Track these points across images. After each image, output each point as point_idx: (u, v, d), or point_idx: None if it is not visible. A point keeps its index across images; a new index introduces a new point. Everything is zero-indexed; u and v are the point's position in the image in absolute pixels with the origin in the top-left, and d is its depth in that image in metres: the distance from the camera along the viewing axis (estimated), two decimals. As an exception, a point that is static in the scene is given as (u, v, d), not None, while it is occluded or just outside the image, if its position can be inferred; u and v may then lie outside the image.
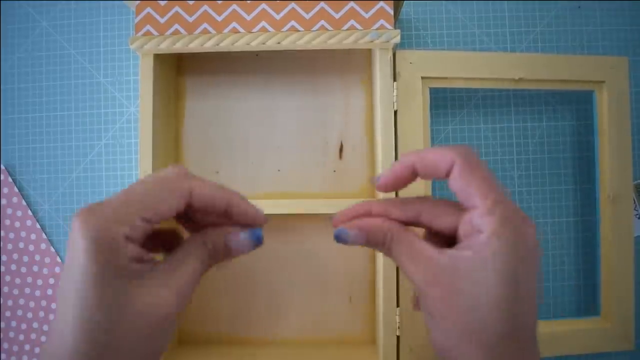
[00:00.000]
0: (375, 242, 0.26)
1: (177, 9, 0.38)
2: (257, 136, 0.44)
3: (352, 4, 0.37)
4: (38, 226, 0.47)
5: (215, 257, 0.26)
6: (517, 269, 0.23)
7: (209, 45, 0.37)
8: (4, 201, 0.47)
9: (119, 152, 0.47)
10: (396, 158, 0.38)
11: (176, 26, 0.38)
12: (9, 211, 0.47)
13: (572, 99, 0.48)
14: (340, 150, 0.44)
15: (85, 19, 0.48)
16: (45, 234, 0.47)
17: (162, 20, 0.38)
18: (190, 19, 0.38)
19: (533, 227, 0.24)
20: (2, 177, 0.48)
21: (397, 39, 0.37)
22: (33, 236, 0.47)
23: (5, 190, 0.48)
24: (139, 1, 0.38)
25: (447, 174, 0.25)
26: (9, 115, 0.48)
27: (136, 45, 0.37)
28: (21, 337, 0.47)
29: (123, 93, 0.48)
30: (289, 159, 0.44)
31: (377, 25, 0.37)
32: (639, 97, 0.48)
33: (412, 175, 0.26)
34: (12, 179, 0.48)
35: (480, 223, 0.24)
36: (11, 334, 0.47)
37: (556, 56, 0.41)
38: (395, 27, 0.37)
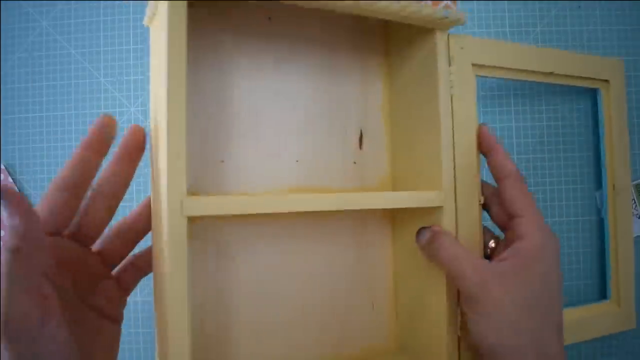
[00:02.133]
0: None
1: None
2: (270, 121, 0.37)
3: None
4: (38, 226, 0.47)
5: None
6: (553, 277, 0.30)
7: None
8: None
9: (119, 152, 0.47)
10: (454, 146, 0.35)
11: None
12: (9, 211, 0.47)
13: (572, 97, 0.48)
14: (360, 139, 0.40)
15: (85, 19, 0.48)
16: (46, 234, 0.47)
17: None
18: None
19: (558, 238, 0.32)
20: (2, 177, 0.48)
21: (463, 21, 0.34)
22: (33, 236, 0.47)
23: (5, 190, 0.48)
24: None
25: (500, 179, 0.33)
26: (9, 115, 0.48)
27: None
28: (21, 337, 0.47)
29: (123, 93, 0.48)
30: (304, 148, 0.38)
31: (443, 4, 0.34)
32: (639, 97, 0.48)
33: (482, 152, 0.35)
34: (12, 179, 0.48)
35: (524, 232, 0.31)
36: (11, 334, 0.47)
37: (571, 54, 0.42)
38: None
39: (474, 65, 0.37)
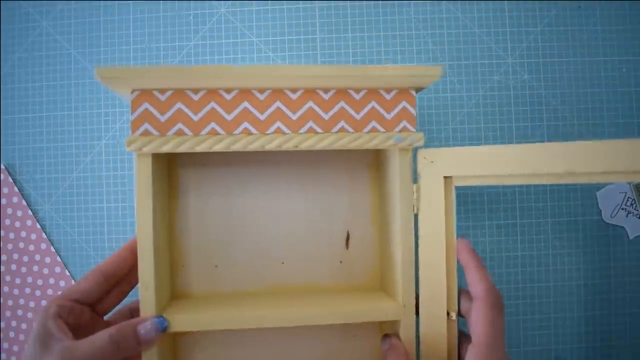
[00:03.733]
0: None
1: (179, 105, 0.34)
2: (259, 228, 0.41)
3: (373, 104, 0.35)
4: (38, 226, 0.47)
5: (124, 349, 0.31)
6: None
7: (219, 147, 0.34)
8: (4, 201, 0.47)
9: (119, 152, 0.47)
10: (416, 259, 0.36)
11: (179, 125, 0.34)
12: (9, 211, 0.47)
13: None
14: (347, 239, 0.42)
15: (85, 19, 0.48)
16: (45, 234, 0.47)
17: (162, 119, 0.34)
18: (196, 118, 0.34)
19: None
20: (2, 177, 0.48)
21: (421, 142, 0.35)
22: (33, 236, 0.47)
23: (5, 190, 0.48)
24: (134, 95, 0.34)
25: (473, 299, 0.33)
26: (9, 115, 0.48)
27: (135, 147, 0.33)
28: (21, 337, 0.47)
29: (123, 93, 0.48)
30: (293, 251, 0.41)
31: (399, 127, 0.35)
32: (639, 97, 0.48)
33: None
34: (12, 179, 0.48)
35: (470, 356, 0.31)
36: (11, 334, 0.47)
37: (593, 146, 0.31)
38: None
39: (447, 177, 0.36)
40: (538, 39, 0.48)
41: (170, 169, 0.40)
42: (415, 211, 0.36)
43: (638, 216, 0.48)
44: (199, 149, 0.34)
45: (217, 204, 0.41)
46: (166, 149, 0.33)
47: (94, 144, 0.48)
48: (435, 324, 0.36)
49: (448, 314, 0.36)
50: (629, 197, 0.47)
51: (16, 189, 0.48)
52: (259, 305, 0.36)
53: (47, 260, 0.47)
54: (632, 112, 0.48)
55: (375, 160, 0.42)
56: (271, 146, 0.34)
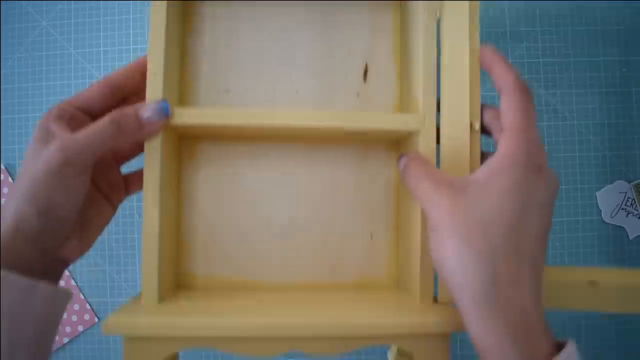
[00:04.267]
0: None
1: None
2: (273, 55, 0.39)
3: None
4: (38, 226, 0.47)
5: (125, 132, 0.30)
6: (522, 192, 0.26)
7: None
8: (4, 201, 0.47)
9: (119, 152, 0.47)
10: (438, 69, 0.33)
11: None
12: (9, 211, 0.47)
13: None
14: (365, 72, 0.39)
15: (85, 19, 0.48)
16: (45, 234, 0.47)
17: None
18: None
19: (546, 167, 0.28)
20: (2, 177, 0.48)
21: None
22: (33, 236, 0.47)
23: (5, 190, 0.48)
24: None
25: (500, 95, 0.30)
26: (9, 115, 0.48)
27: None
28: (21, 337, 0.47)
29: (123, 93, 0.48)
30: (307, 79, 0.39)
31: None
32: (639, 97, 0.48)
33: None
34: (12, 179, 0.48)
35: (501, 144, 0.28)
36: (11, 334, 0.47)
37: None
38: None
39: None
40: (538, 38, 0.48)
41: None
42: (437, 15, 0.34)
43: (638, 216, 0.48)
44: None
45: (230, 23, 0.39)
46: None
47: (94, 144, 0.48)
48: (458, 135, 0.33)
49: (471, 125, 0.33)
50: (629, 197, 0.47)
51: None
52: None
53: (47, 260, 0.47)
54: (632, 112, 0.48)
55: None
56: None
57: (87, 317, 0.47)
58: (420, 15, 0.34)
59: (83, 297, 0.47)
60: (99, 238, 0.48)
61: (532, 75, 0.48)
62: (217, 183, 0.38)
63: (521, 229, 0.26)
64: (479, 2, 0.34)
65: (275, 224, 0.38)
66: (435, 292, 0.33)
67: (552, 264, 0.47)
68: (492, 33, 0.48)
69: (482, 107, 0.33)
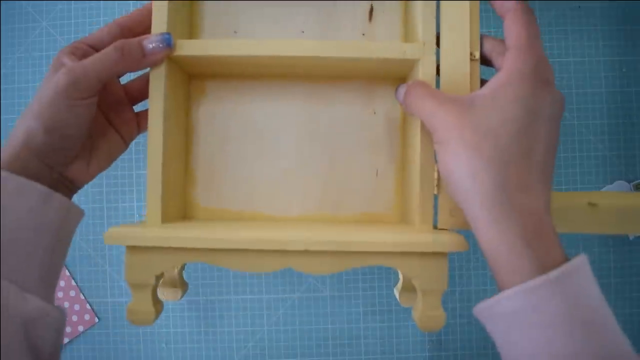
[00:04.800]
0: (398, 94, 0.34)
1: None
2: None
3: None
4: (38, 226, 0.47)
5: (128, 58, 0.31)
6: (529, 101, 0.27)
7: None
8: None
9: (119, 152, 0.47)
10: (437, 8, 0.34)
11: None
12: (9, 211, 0.47)
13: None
14: (370, 12, 0.39)
15: (85, 19, 0.48)
16: (45, 234, 0.47)
17: None
18: None
19: (553, 83, 0.28)
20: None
21: None
22: (33, 236, 0.47)
23: (5, 190, 0.48)
24: None
25: (503, 19, 0.30)
26: (9, 115, 0.48)
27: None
28: (21, 337, 0.47)
29: (123, 93, 0.48)
30: (313, 19, 0.39)
31: None
32: (639, 97, 0.48)
33: None
34: (12, 179, 0.48)
35: (507, 59, 0.28)
36: (11, 334, 0.47)
37: None
38: None
39: None
40: (538, 39, 0.48)
41: None
42: None
43: (638, 216, 0.47)
44: None
45: None
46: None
47: (94, 144, 0.48)
48: (458, 63, 0.33)
49: (471, 54, 0.33)
50: (629, 197, 0.47)
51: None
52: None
53: (47, 260, 0.47)
54: (632, 112, 0.48)
55: None
56: None
57: (87, 317, 0.47)
58: None
59: (83, 297, 0.47)
60: (100, 238, 0.48)
61: (532, 75, 0.48)
62: (225, 119, 0.39)
63: (530, 136, 0.27)
64: None
65: (280, 159, 0.39)
66: (435, 222, 0.34)
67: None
68: (492, 33, 0.48)
69: (482, 37, 0.34)
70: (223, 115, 0.39)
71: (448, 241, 0.31)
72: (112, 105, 0.36)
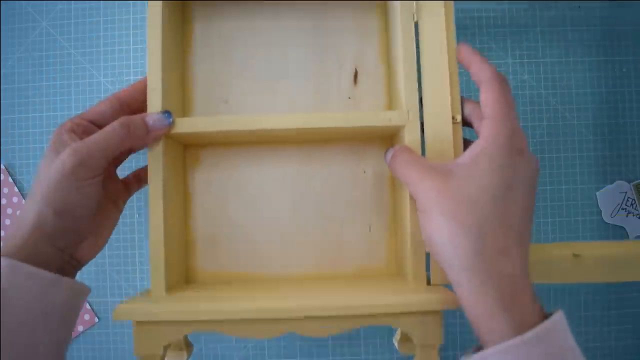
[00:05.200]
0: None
1: None
2: (268, 65, 0.42)
3: None
4: (38, 226, 0.47)
5: (133, 136, 0.32)
6: (505, 170, 0.28)
7: None
8: (4, 201, 0.47)
9: (119, 152, 0.47)
10: (419, 73, 0.36)
11: None
12: (9, 211, 0.47)
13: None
14: (355, 76, 0.42)
15: (85, 19, 0.48)
16: (45, 234, 0.47)
17: None
18: None
19: (527, 150, 0.30)
20: (2, 177, 0.48)
21: None
22: (33, 236, 0.47)
23: (5, 190, 0.48)
24: None
25: (479, 87, 0.31)
26: (9, 115, 0.48)
27: None
28: (21, 337, 0.47)
29: (123, 93, 0.48)
30: (301, 86, 0.42)
31: None
32: (639, 97, 0.48)
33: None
34: (12, 179, 0.48)
35: (483, 130, 0.29)
36: (11, 334, 0.47)
37: None
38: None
39: None
40: (538, 38, 0.48)
41: (185, 3, 0.42)
42: (415, 19, 0.36)
43: (638, 216, 0.48)
44: None
45: (227, 36, 0.42)
46: None
47: (94, 144, 0.48)
48: (441, 127, 0.35)
49: (453, 118, 0.35)
50: (629, 197, 0.47)
51: (16, 189, 0.48)
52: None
53: (47, 260, 0.47)
54: (632, 112, 0.48)
55: None
56: None
57: (87, 317, 0.47)
58: (398, 17, 0.37)
59: (83, 297, 0.47)
60: (99, 238, 0.48)
61: (532, 75, 0.48)
62: (221, 185, 0.41)
63: (507, 203, 0.28)
64: (453, 3, 0.36)
65: (276, 221, 0.41)
66: (429, 275, 0.35)
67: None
68: (492, 32, 0.48)
69: (462, 100, 0.35)
70: (219, 182, 0.41)
71: (441, 300, 0.32)
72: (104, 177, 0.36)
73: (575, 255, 0.35)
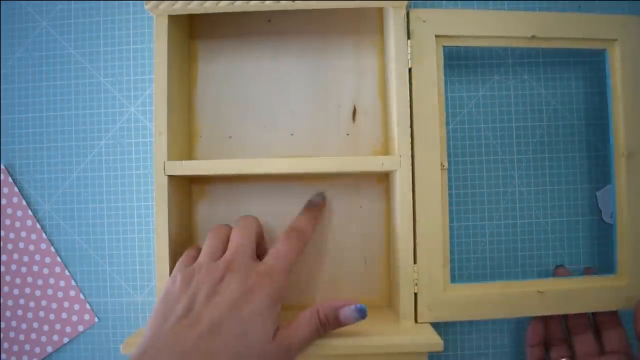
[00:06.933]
0: None
1: None
2: (270, 102, 0.45)
3: None
4: (38, 226, 0.47)
5: (325, 326, 0.34)
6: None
7: (223, 4, 0.38)
8: (4, 201, 0.47)
9: (119, 152, 0.47)
10: (411, 117, 0.39)
11: None
12: (9, 211, 0.47)
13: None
14: (354, 114, 0.44)
15: (85, 19, 0.48)
16: (45, 234, 0.47)
17: None
18: None
19: None
20: (2, 177, 0.48)
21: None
22: (33, 236, 0.47)
23: (5, 190, 0.48)
24: None
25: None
26: (9, 115, 0.48)
27: (151, 6, 0.39)
28: (21, 337, 0.47)
29: (123, 93, 0.48)
30: (301, 123, 0.44)
31: None
32: (639, 97, 0.48)
33: None
34: (12, 179, 0.48)
35: None
36: (11, 334, 0.47)
37: (568, 14, 0.42)
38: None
39: (437, 36, 0.39)
40: (538, 39, 0.48)
41: (190, 42, 0.45)
42: (409, 65, 0.39)
43: (638, 216, 0.47)
44: (206, 5, 0.38)
45: (231, 74, 0.45)
46: (178, 6, 0.38)
47: (94, 144, 0.48)
48: (430, 173, 0.39)
49: (441, 164, 0.39)
50: (629, 197, 0.47)
51: (16, 189, 0.48)
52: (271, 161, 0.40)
53: (47, 260, 0.47)
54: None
55: (380, 31, 0.45)
56: (270, 1, 0.38)
57: (87, 317, 0.47)
58: (392, 64, 0.39)
59: (83, 297, 0.47)
60: (100, 238, 0.48)
61: (532, 75, 0.48)
62: (225, 219, 0.43)
63: None
64: (442, 51, 0.40)
65: None
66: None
67: (552, 263, 0.47)
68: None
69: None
70: (224, 216, 0.44)
71: (426, 342, 0.35)
72: None
73: (540, 292, 0.40)
